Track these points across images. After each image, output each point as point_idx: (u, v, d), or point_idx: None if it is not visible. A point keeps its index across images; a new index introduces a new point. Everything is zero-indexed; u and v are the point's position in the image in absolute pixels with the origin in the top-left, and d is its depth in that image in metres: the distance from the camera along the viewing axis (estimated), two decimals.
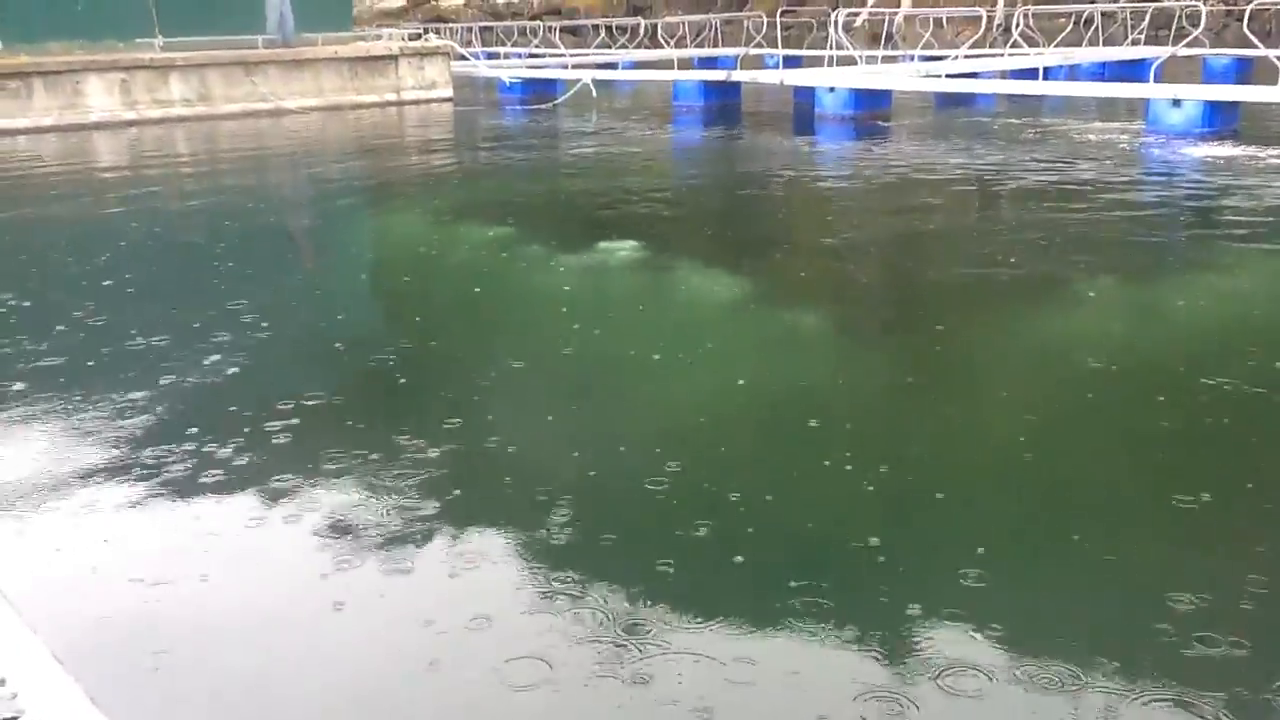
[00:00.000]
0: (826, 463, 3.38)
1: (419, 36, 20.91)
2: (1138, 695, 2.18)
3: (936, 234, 7.16)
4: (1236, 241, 6.48)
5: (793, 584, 2.64)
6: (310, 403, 4.00)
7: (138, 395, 4.10)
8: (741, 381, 4.20)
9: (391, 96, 17.87)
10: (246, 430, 3.72)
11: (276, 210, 8.93)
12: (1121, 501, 3.14)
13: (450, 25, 33.04)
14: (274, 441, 3.63)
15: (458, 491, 3.22)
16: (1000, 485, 3.30)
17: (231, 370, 4.41)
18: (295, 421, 3.80)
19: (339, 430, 3.73)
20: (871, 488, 3.20)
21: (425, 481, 3.28)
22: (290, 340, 4.93)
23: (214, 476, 3.34)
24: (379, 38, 20.93)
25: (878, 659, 2.33)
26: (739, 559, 2.78)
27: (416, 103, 18.00)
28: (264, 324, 5.06)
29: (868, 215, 7.90)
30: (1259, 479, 3.23)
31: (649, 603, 2.57)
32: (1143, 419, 3.75)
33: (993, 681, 2.23)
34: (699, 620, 2.50)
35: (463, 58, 21.28)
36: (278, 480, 3.30)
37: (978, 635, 2.40)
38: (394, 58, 18.10)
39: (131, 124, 14.95)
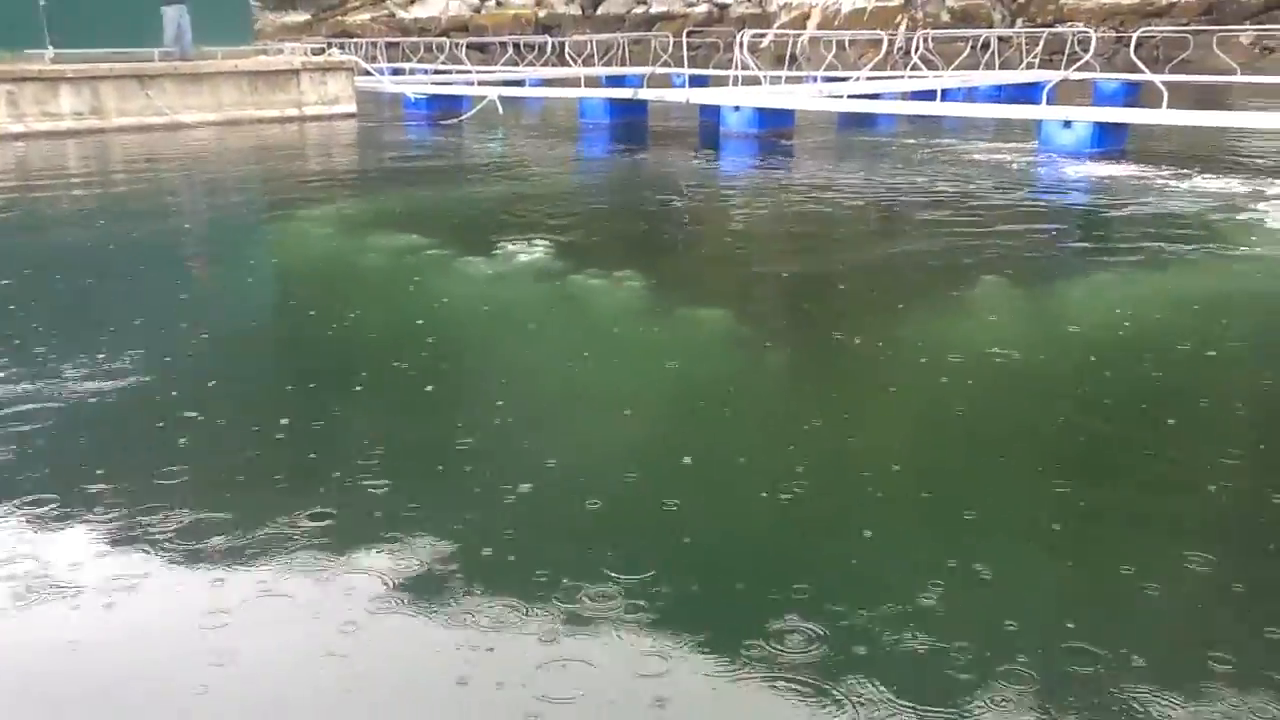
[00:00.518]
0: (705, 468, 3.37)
1: (322, 51, 20.63)
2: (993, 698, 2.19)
3: (826, 249, 7.25)
4: (1109, 255, 6.67)
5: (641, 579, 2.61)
6: (189, 416, 3.87)
7: None
8: (633, 384, 4.18)
9: (293, 111, 17.55)
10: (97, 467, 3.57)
11: (159, 226, 8.67)
12: (981, 496, 3.18)
13: (356, 40, 32.66)
14: (139, 471, 3.49)
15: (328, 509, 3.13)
16: (879, 488, 3.32)
17: (76, 397, 4.24)
18: (165, 438, 3.67)
19: (225, 446, 3.61)
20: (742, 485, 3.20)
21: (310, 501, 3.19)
22: (166, 362, 4.78)
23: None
24: (280, 52, 20.59)
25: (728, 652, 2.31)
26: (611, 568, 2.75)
27: (319, 118, 17.71)
28: (130, 350, 4.89)
29: (762, 230, 7.96)
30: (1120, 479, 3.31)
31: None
32: (1002, 421, 3.84)
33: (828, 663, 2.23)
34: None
35: (367, 73, 21.04)
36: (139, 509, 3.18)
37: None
38: (296, 72, 17.79)
39: (19, 137, 14.43)
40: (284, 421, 3.91)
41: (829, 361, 4.81)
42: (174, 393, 4.22)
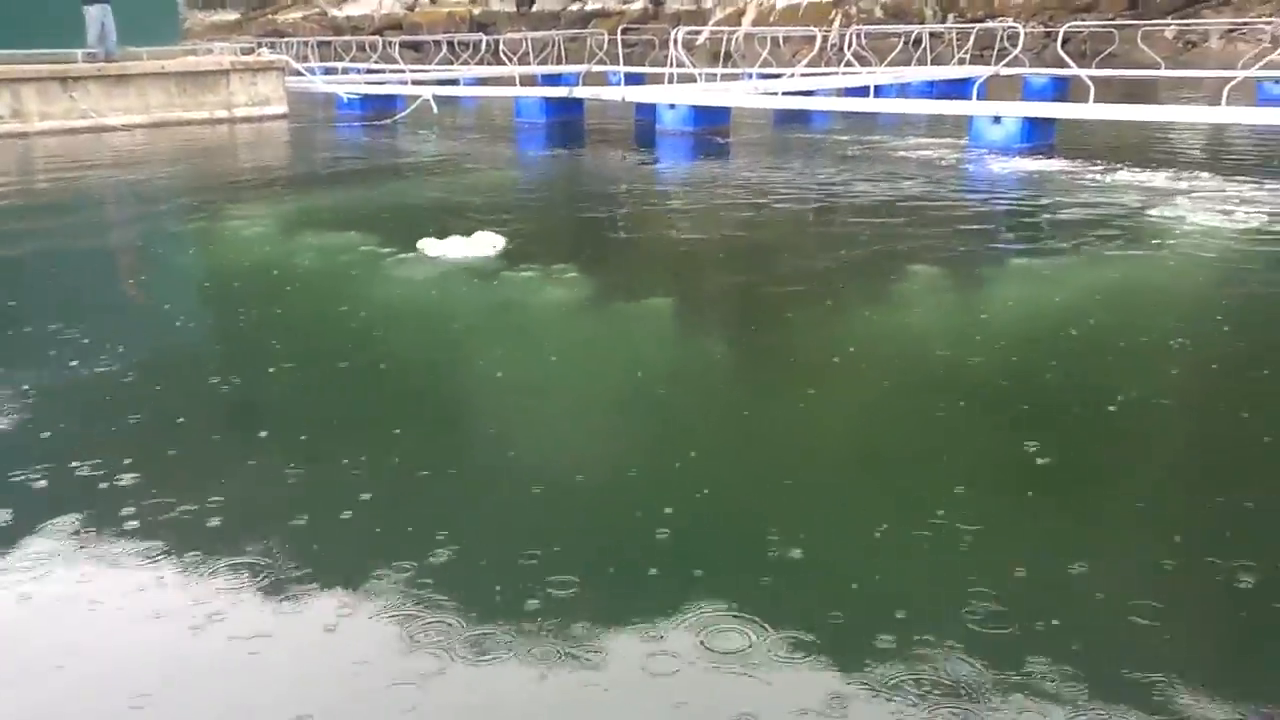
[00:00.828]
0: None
1: (252, 51, 20.28)
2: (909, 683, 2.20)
3: (757, 243, 7.28)
4: (1026, 249, 6.76)
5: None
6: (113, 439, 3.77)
7: None
8: (569, 379, 4.16)
9: (222, 113, 17.26)
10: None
11: (77, 231, 8.48)
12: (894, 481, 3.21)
13: (287, 40, 32.21)
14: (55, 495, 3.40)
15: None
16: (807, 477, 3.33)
17: None
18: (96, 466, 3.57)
19: (158, 439, 3.52)
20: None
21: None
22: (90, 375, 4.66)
23: None
24: (210, 52, 20.24)
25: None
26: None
27: (249, 119, 17.44)
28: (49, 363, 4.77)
29: (695, 226, 7.96)
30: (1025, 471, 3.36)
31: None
32: (907, 410, 3.91)
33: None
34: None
35: (299, 73, 20.75)
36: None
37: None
38: (225, 73, 17.50)
39: None
40: (181, 422, 3.83)
41: (756, 355, 4.88)
42: (79, 399, 4.12)
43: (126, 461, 3.49)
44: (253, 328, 5.45)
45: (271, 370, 4.63)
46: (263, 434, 3.84)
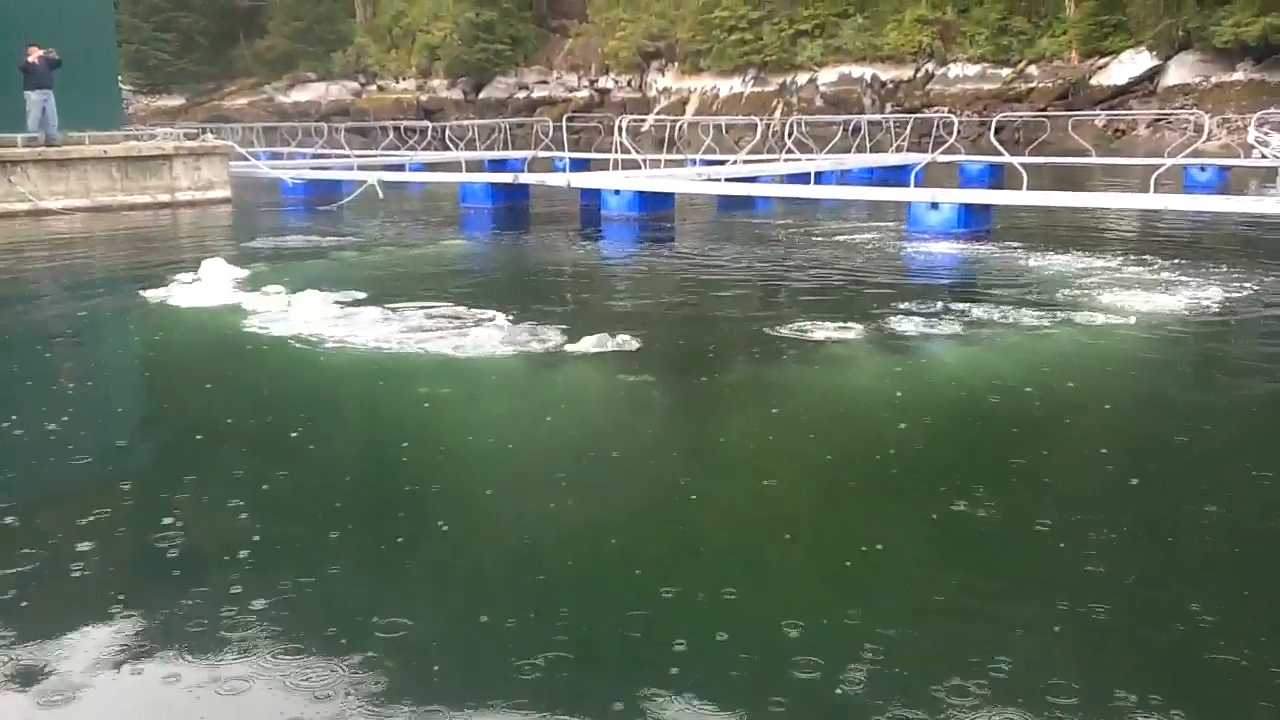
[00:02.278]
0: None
1: (197, 136, 20.26)
2: None
3: (698, 320, 7.30)
4: (949, 327, 6.83)
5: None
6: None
7: None
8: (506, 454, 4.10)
9: (165, 197, 17.14)
10: None
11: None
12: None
13: (232, 125, 32.25)
14: None
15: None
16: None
17: None
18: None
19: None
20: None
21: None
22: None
23: None
24: (153, 137, 20.18)
25: None
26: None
27: (192, 204, 17.33)
28: None
29: (637, 306, 7.98)
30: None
31: None
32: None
33: None
34: None
35: (243, 158, 20.72)
36: None
37: None
38: (168, 157, 17.43)
39: None
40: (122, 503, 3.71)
41: (695, 425, 4.99)
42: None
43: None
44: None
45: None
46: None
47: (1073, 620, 2.99)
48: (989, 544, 3.60)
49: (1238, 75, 33.22)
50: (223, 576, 3.27)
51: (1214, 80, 33.61)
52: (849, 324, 6.94)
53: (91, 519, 3.76)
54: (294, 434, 4.84)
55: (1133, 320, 7.10)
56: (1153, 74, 35.18)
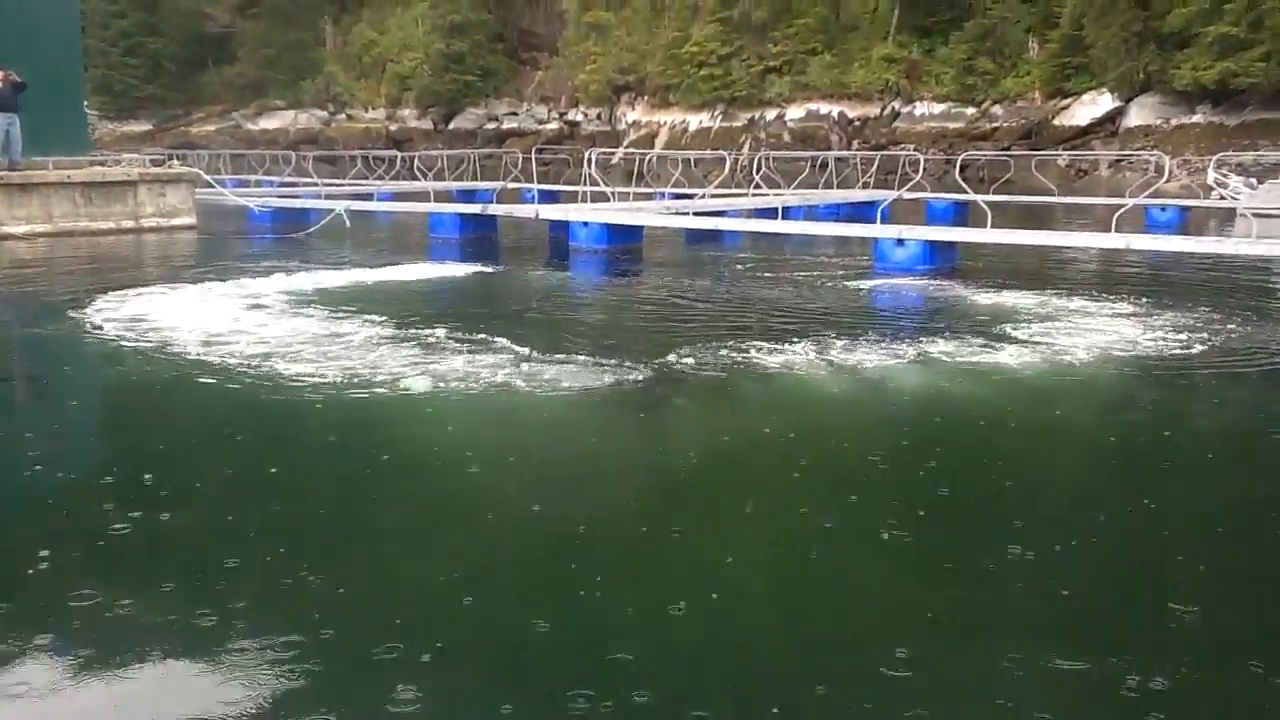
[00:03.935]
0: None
1: (163, 162, 20.12)
2: None
3: (664, 348, 7.30)
4: (916, 356, 6.90)
5: None
6: None
7: None
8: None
9: (129, 223, 16.99)
10: None
11: None
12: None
13: (199, 152, 32.08)
14: None
15: None
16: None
17: None
18: None
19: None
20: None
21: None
22: None
23: None
24: (118, 162, 20.01)
25: None
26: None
27: (157, 230, 17.18)
28: None
29: (595, 334, 7.96)
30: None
31: None
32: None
33: None
34: None
35: (210, 185, 20.58)
36: None
37: None
38: (133, 183, 17.28)
39: None
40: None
41: (640, 452, 4.92)
42: None
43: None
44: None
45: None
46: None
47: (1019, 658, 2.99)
48: (938, 564, 3.63)
49: (1197, 118, 33.88)
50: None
51: (1174, 122, 34.25)
52: (811, 356, 6.99)
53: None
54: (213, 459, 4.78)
55: (1089, 355, 7.20)
56: (1114, 115, 35.82)
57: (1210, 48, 31.70)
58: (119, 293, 9.98)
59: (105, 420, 6.27)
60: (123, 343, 7.60)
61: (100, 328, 8.21)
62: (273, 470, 4.84)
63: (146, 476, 4.60)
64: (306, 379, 6.31)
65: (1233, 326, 8.50)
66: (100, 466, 4.97)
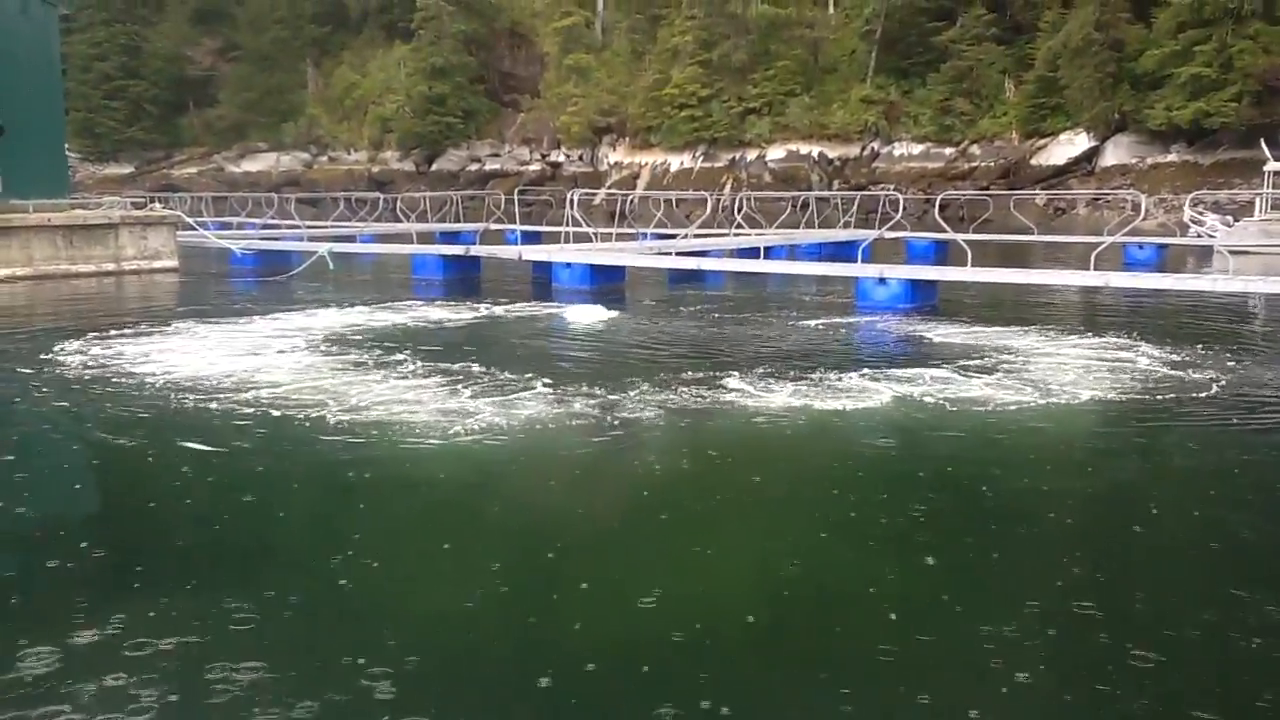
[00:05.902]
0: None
1: (144, 205, 20.10)
2: None
3: (644, 383, 7.31)
4: (893, 392, 6.93)
5: None
6: None
7: None
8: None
9: (110, 266, 16.94)
10: None
11: None
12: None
13: (181, 195, 32.07)
14: None
15: None
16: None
17: None
18: None
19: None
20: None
21: None
22: None
23: None
24: (99, 205, 19.99)
25: None
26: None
27: (138, 273, 17.13)
28: None
29: (576, 371, 7.96)
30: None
31: None
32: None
33: None
34: None
35: (192, 227, 20.56)
36: None
37: None
38: (114, 226, 17.25)
39: None
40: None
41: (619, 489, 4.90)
42: None
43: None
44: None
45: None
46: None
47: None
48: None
49: (1172, 156, 34.35)
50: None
51: (1149, 161, 34.72)
52: (788, 396, 7.00)
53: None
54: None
55: (1068, 390, 7.26)
56: (1090, 154, 36.29)
57: (1183, 88, 32.20)
58: (96, 334, 9.92)
59: (84, 469, 6.22)
60: (99, 384, 7.55)
61: (80, 368, 8.15)
62: (249, 499, 4.81)
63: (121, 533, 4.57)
64: (295, 415, 6.29)
65: (1211, 359, 8.57)
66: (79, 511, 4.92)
